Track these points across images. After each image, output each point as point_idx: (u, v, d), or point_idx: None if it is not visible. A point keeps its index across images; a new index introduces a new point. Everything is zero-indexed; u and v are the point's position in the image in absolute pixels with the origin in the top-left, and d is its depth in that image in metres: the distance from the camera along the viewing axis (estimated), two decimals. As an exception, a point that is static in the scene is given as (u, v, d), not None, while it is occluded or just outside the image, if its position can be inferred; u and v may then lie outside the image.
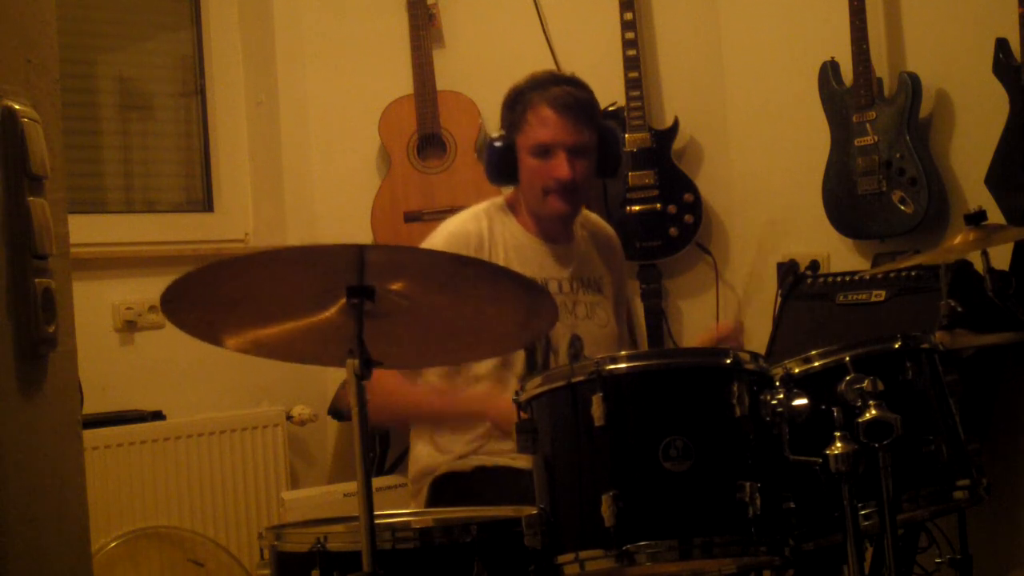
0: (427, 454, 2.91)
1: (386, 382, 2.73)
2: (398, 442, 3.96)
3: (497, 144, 2.90)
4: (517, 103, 2.88)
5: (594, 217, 3.14)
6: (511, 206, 2.96)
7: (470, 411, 2.82)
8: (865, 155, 3.59)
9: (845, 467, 2.03)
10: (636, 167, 3.98)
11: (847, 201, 3.65)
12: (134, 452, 3.58)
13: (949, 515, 2.68)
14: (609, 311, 3.00)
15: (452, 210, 3.06)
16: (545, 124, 2.83)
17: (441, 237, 2.88)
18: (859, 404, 2.08)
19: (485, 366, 2.83)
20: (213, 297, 1.97)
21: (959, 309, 2.86)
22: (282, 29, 4.22)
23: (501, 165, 2.91)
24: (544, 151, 2.83)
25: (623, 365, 2.08)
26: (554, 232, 2.95)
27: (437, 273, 2.02)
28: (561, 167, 2.82)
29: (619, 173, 3.27)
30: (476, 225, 2.89)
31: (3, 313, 1.66)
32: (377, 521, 1.91)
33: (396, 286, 1.95)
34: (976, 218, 2.85)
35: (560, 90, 2.84)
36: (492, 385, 2.81)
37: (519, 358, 2.83)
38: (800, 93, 3.79)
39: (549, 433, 2.12)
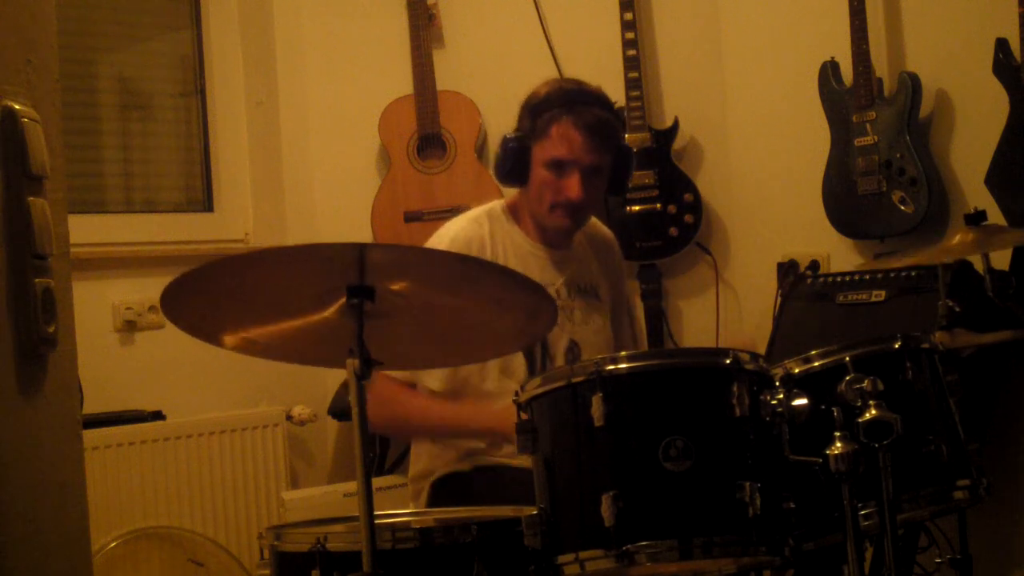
0: (428, 454, 2.90)
1: (383, 389, 2.71)
2: (398, 442, 3.96)
3: (512, 144, 2.85)
4: (542, 111, 2.81)
5: (593, 220, 3.12)
6: (511, 210, 2.95)
7: (478, 425, 2.78)
8: (865, 155, 3.59)
9: (845, 467, 2.03)
10: (636, 167, 3.98)
11: (847, 201, 3.65)
12: (134, 452, 3.58)
13: (949, 515, 2.68)
14: (606, 317, 2.99)
15: (452, 210, 3.06)
16: (568, 142, 2.78)
17: (443, 241, 2.86)
18: (859, 404, 2.08)
19: (492, 381, 2.81)
20: (213, 296, 1.97)
21: (957, 309, 2.86)
22: (282, 29, 4.22)
23: (512, 166, 2.86)
24: (559, 166, 2.80)
25: (623, 365, 2.08)
26: (554, 239, 2.94)
27: (439, 273, 2.02)
28: (573, 187, 2.79)
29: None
30: (478, 229, 2.88)
31: (3, 313, 1.66)
32: (377, 521, 1.91)
33: (397, 286, 1.95)
34: (976, 218, 2.85)
35: (590, 113, 2.79)
36: (498, 399, 2.74)
37: (520, 367, 2.81)
38: (800, 93, 3.79)
39: (549, 433, 2.12)
